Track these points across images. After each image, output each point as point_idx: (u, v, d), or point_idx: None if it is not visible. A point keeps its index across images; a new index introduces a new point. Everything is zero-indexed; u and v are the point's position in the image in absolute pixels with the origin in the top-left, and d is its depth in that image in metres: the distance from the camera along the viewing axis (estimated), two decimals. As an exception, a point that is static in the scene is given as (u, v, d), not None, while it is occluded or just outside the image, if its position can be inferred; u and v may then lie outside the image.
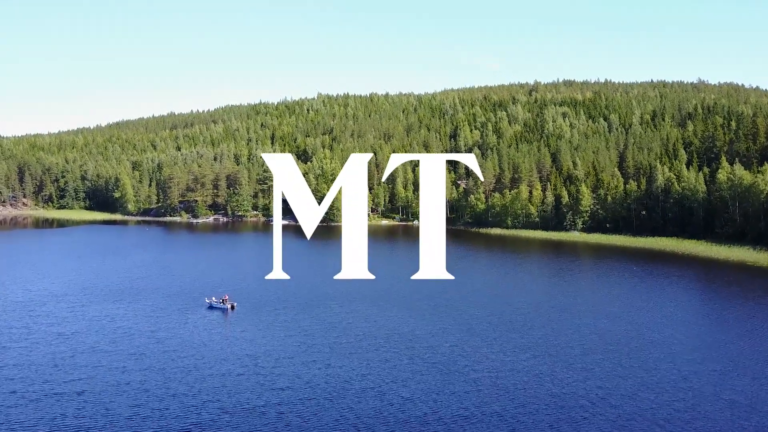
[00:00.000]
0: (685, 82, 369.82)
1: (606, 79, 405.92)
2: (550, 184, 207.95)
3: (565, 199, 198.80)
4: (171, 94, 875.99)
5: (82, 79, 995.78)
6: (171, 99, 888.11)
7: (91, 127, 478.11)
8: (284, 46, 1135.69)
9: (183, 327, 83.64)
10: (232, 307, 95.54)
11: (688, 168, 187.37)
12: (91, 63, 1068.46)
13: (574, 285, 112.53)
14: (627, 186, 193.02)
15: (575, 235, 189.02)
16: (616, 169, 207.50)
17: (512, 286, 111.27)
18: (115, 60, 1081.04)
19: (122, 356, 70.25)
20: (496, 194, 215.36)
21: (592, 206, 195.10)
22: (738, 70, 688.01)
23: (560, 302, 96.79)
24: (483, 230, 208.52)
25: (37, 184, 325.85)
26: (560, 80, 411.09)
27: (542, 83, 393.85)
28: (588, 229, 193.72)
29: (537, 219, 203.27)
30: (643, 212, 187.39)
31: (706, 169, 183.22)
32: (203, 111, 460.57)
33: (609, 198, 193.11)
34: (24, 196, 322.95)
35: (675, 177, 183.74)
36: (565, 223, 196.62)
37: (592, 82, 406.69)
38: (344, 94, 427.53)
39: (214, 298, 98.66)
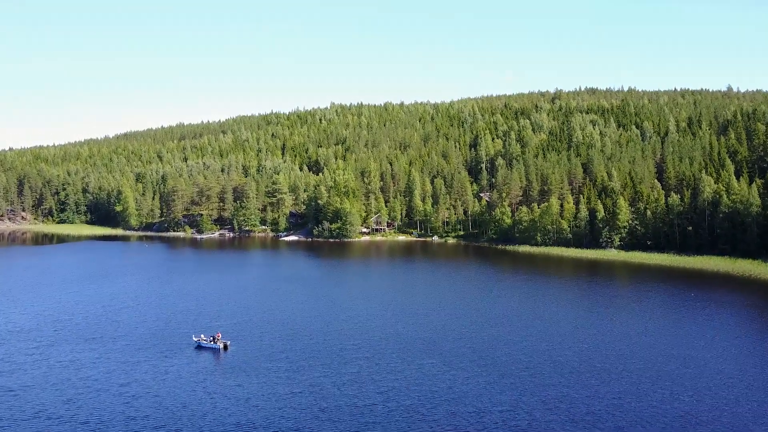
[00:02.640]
0: (710, 89, 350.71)
1: (629, 87, 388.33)
2: (583, 197, 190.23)
3: (601, 213, 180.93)
4: (182, 106, 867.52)
5: (91, 90, 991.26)
6: (182, 110, 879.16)
7: (99, 139, 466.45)
8: (297, 56, 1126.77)
9: (162, 378, 67.15)
10: (225, 347, 79.34)
11: (737, 179, 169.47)
12: (100, 74, 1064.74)
13: (634, 319, 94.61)
14: (669, 199, 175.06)
15: (612, 254, 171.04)
16: (655, 180, 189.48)
17: (558, 323, 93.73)
18: (124, 71, 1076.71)
19: (72, 427, 53.81)
20: (524, 208, 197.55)
21: (630, 221, 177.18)
22: (763, 77, 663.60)
23: (625, 342, 79.26)
24: (509, 248, 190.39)
25: (37, 197, 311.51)
26: (582, 88, 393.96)
27: (564, 91, 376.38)
28: (626, 246, 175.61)
29: (569, 235, 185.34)
30: (689, 228, 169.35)
31: (758, 181, 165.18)
32: (213, 122, 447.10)
33: (649, 212, 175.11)
34: (23, 210, 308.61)
35: (724, 189, 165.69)
36: (600, 240, 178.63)
37: (616, 90, 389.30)
38: (358, 103, 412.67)
39: (203, 336, 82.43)
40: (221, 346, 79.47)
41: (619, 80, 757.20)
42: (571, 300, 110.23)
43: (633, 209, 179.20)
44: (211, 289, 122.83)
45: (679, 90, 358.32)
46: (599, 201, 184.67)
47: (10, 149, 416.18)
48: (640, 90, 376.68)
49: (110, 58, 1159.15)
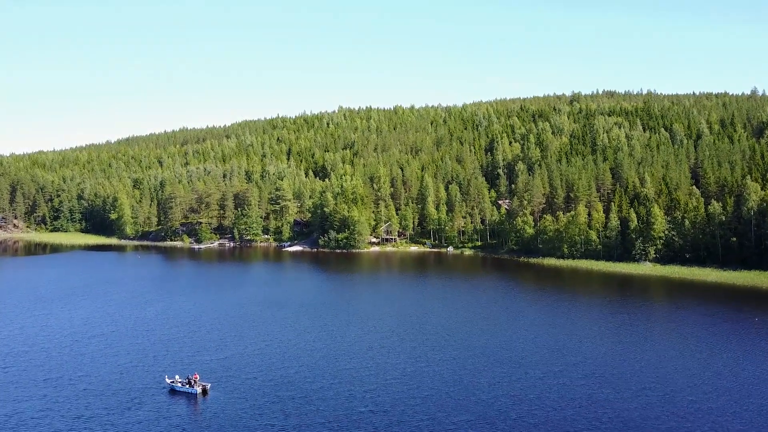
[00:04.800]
0: (731, 93, 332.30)
1: (648, 90, 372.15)
2: (614, 205, 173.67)
3: (634, 222, 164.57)
4: (187, 111, 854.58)
5: (94, 95, 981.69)
6: (187, 115, 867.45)
7: (101, 143, 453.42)
8: (304, 60, 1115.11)
9: (117, 444, 51.70)
10: (204, 392, 64.28)
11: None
12: (104, 78, 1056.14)
13: (703, 355, 78.25)
14: (709, 207, 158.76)
15: (647, 268, 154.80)
16: (693, 187, 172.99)
17: (611, 360, 77.75)
18: (129, 74, 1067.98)
19: None
20: (548, 216, 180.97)
21: (666, 232, 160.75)
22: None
23: (704, 389, 63.27)
24: (533, 260, 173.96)
25: (30, 203, 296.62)
26: (600, 91, 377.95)
27: (582, 94, 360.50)
28: (662, 259, 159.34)
29: (599, 247, 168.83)
30: (732, 239, 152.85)
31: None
32: (218, 126, 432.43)
33: (687, 222, 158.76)
34: (15, 217, 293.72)
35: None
36: (633, 253, 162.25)
37: (635, 93, 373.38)
38: (366, 107, 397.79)
39: (178, 377, 67.29)
40: (199, 390, 64.33)
41: (632, 84, 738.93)
42: (619, 328, 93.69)
43: (669, 218, 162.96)
44: (200, 312, 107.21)
45: (698, 93, 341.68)
46: (631, 209, 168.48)
47: (12, 154, 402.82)
48: (660, 93, 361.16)
49: (115, 62, 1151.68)
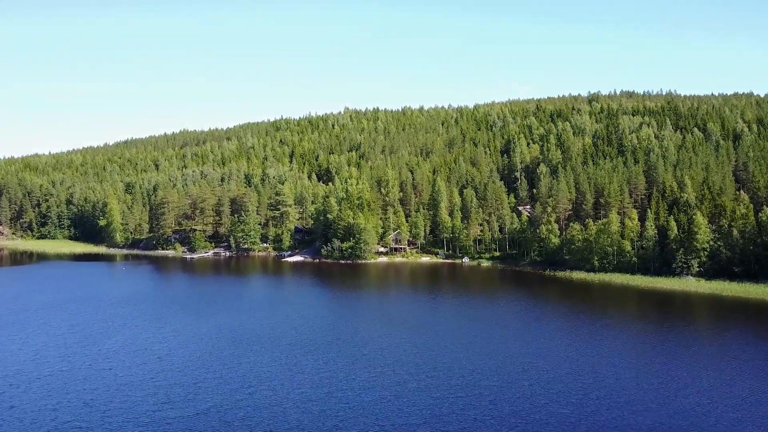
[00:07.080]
0: (755, 93, 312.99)
1: (668, 91, 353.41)
2: (650, 212, 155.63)
3: (673, 231, 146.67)
4: (190, 113, 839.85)
5: (94, 97, 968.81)
6: (190, 118, 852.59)
7: (98, 146, 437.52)
8: (310, 61, 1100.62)
9: None
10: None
11: None
12: (106, 80, 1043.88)
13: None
14: (760, 215, 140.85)
15: (691, 283, 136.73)
16: (741, 192, 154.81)
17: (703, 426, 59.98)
18: (131, 77, 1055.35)
19: None
20: (575, 224, 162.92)
21: (711, 242, 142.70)
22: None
23: None
24: (559, 273, 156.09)
25: (17, 209, 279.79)
26: (618, 92, 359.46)
27: (601, 94, 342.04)
28: (707, 273, 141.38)
29: (634, 259, 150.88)
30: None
31: None
32: (219, 128, 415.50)
33: (735, 231, 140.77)
34: (0, 223, 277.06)
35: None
36: (674, 266, 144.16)
37: (654, 93, 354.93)
38: (373, 108, 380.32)
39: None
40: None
41: (648, 86, 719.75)
42: (688, 368, 75.43)
43: (714, 227, 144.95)
44: (177, 344, 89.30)
45: (718, 95, 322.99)
46: (670, 217, 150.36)
47: (11, 158, 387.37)
48: (681, 94, 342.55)
49: (117, 64, 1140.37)
